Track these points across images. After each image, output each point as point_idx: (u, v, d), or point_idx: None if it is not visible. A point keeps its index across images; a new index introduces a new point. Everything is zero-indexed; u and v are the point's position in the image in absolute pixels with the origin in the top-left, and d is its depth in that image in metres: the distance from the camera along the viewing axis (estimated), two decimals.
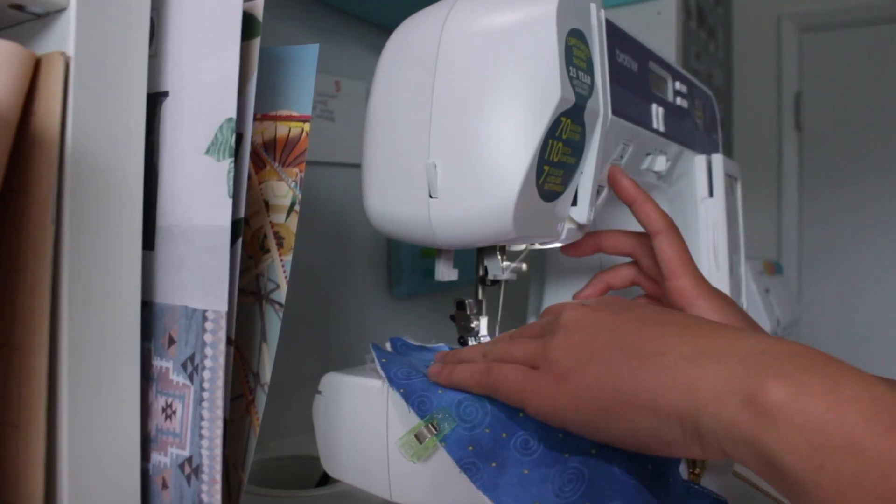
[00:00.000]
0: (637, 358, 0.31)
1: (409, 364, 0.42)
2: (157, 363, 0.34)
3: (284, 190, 0.37)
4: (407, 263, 0.83)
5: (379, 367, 0.41)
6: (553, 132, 0.40)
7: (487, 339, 0.50)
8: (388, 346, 0.47)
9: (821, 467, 0.24)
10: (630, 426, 0.31)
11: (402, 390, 0.39)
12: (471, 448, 0.37)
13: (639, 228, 0.49)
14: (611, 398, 0.31)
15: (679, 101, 0.59)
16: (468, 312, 0.49)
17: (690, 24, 1.22)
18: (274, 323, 0.36)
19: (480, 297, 0.49)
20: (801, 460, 0.24)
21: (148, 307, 0.34)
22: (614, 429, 0.32)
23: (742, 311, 0.45)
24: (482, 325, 0.49)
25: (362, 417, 0.41)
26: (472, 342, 0.50)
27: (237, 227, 0.34)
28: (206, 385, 0.33)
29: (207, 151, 0.33)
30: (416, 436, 0.38)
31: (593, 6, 0.45)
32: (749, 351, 0.28)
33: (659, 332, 0.32)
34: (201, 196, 0.33)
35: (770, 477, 0.26)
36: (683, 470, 0.45)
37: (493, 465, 0.36)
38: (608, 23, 0.46)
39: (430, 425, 0.38)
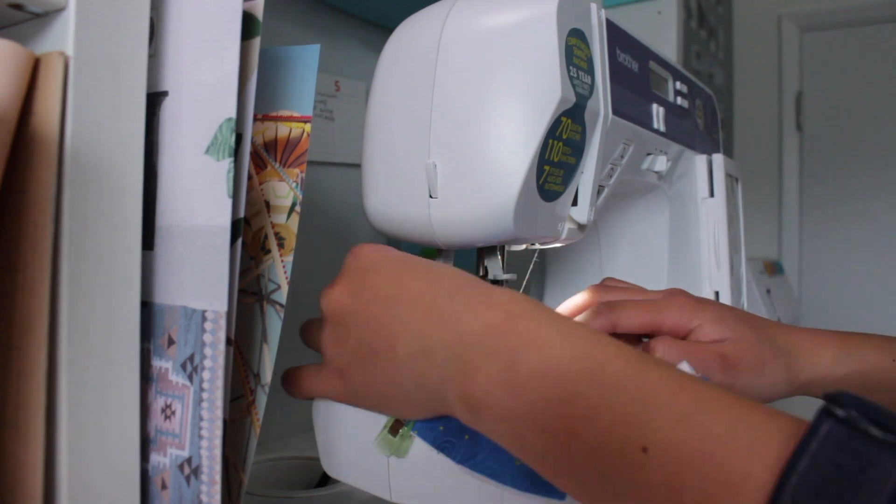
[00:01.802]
0: (377, 358, 0.34)
1: None
2: (157, 363, 0.34)
3: (285, 190, 0.36)
4: None
5: None
6: (553, 132, 0.40)
7: None
8: None
9: (522, 446, 0.28)
10: (410, 410, 0.35)
11: None
12: (441, 428, 0.38)
13: (642, 226, 0.49)
14: (376, 392, 0.35)
15: (680, 100, 0.59)
16: None
17: (691, 24, 1.22)
18: (275, 323, 0.36)
19: None
20: (508, 441, 0.28)
21: (147, 307, 0.34)
22: (399, 409, 0.36)
23: (743, 312, 0.44)
24: None
25: (362, 417, 0.41)
26: None
27: (237, 227, 0.34)
28: (205, 385, 0.33)
29: (207, 151, 0.33)
30: (389, 431, 0.39)
31: (594, 6, 0.45)
32: (461, 338, 0.30)
33: (392, 326, 0.33)
34: (201, 196, 0.33)
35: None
36: None
37: (466, 437, 0.37)
38: (608, 22, 0.46)
39: (399, 419, 0.39)
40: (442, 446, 0.37)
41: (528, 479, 0.35)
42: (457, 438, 0.37)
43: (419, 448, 0.39)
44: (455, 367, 0.30)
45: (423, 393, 0.33)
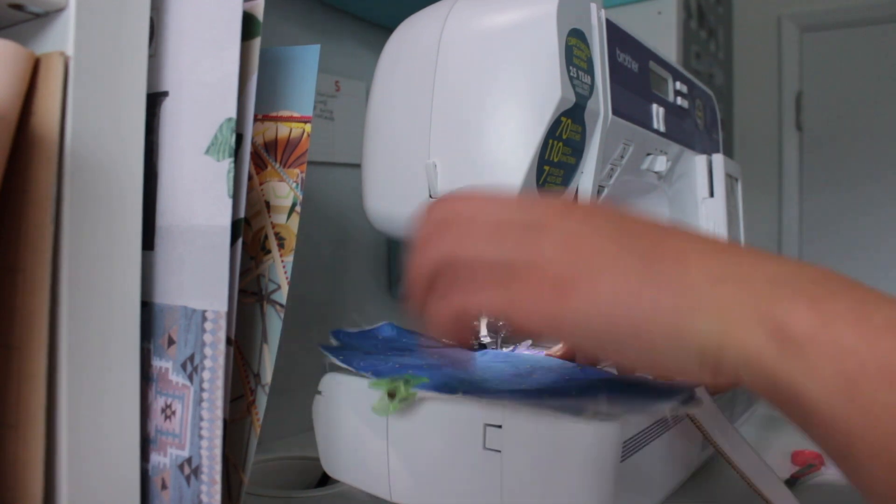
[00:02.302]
0: (656, 271, 0.26)
1: (367, 354, 0.44)
2: (157, 363, 0.34)
3: (285, 191, 0.36)
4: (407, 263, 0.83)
5: (341, 363, 0.42)
6: (553, 132, 0.40)
7: (488, 339, 0.50)
8: (332, 341, 0.48)
9: (851, 399, 0.22)
10: (642, 350, 0.27)
11: (370, 373, 0.41)
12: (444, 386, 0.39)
13: None
14: (624, 316, 0.26)
15: (679, 100, 0.59)
16: None
17: (691, 24, 1.22)
18: (275, 323, 0.36)
19: None
20: (830, 392, 0.22)
21: (147, 307, 0.34)
22: (624, 351, 0.27)
23: None
24: (482, 325, 0.49)
25: (362, 417, 0.41)
26: (472, 342, 0.50)
27: (237, 227, 0.34)
28: (205, 385, 0.33)
29: (207, 151, 0.33)
30: (388, 394, 0.39)
31: (593, 6, 0.45)
32: (774, 273, 0.25)
33: (678, 240, 0.27)
34: (201, 196, 0.33)
35: (791, 411, 0.24)
36: None
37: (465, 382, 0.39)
38: (608, 22, 0.46)
39: (402, 381, 0.39)
40: (440, 388, 0.38)
41: (533, 395, 0.37)
42: (457, 384, 0.39)
43: (422, 447, 0.39)
44: (777, 297, 0.24)
45: (710, 334, 0.25)
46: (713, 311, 0.25)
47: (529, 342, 0.51)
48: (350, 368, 0.42)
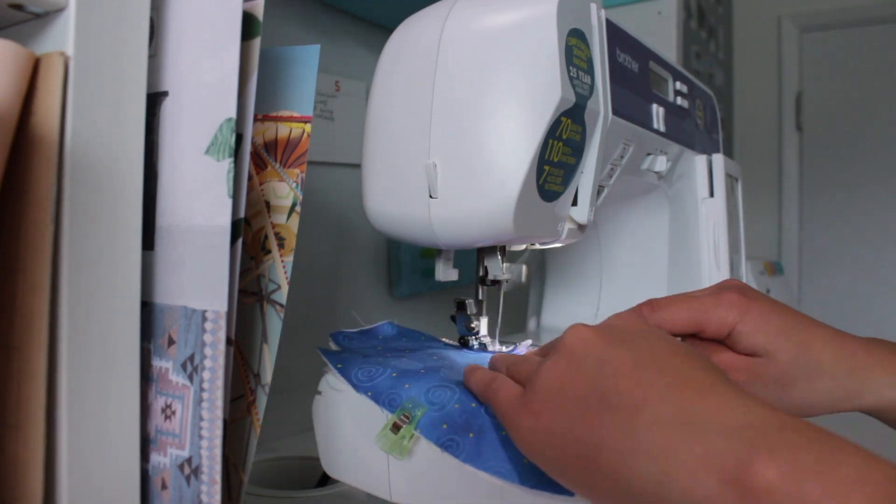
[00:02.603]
0: (611, 411, 0.28)
1: (365, 358, 0.43)
2: (157, 363, 0.34)
3: (285, 191, 0.36)
4: (407, 263, 0.83)
5: (338, 374, 0.42)
6: (553, 132, 0.40)
7: (487, 339, 0.50)
8: (331, 345, 0.48)
9: None
10: (590, 484, 0.29)
11: (369, 393, 0.40)
12: (445, 426, 0.37)
13: (642, 226, 0.48)
14: (575, 450, 0.29)
15: (679, 100, 0.59)
16: (468, 312, 0.49)
17: (691, 24, 1.22)
18: (275, 323, 0.36)
19: (480, 297, 0.49)
20: None
21: (147, 307, 0.34)
22: (574, 481, 0.30)
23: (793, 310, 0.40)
24: (482, 325, 0.49)
25: (362, 417, 0.41)
26: (472, 342, 0.50)
27: (237, 227, 0.34)
28: (205, 385, 0.33)
29: (207, 151, 0.33)
30: (391, 429, 0.38)
31: (593, 6, 0.45)
32: (735, 423, 0.25)
33: (645, 383, 0.28)
34: (201, 196, 0.33)
35: None
36: None
37: (471, 435, 0.37)
38: (608, 22, 0.46)
39: (402, 416, 0.38)
40: (446, 444, 0.37)
41: (535, 477, 0.35)
42: (461, 437, 0.37)
43: (422, 448, 0.39)
44: (736, 449, 0.24)
45: (650, 470, 0.26)
46: (655, 457, 0.26)
47: (529, 342, 0.51)
48: (344, 380, 0.42)
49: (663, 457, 0.26)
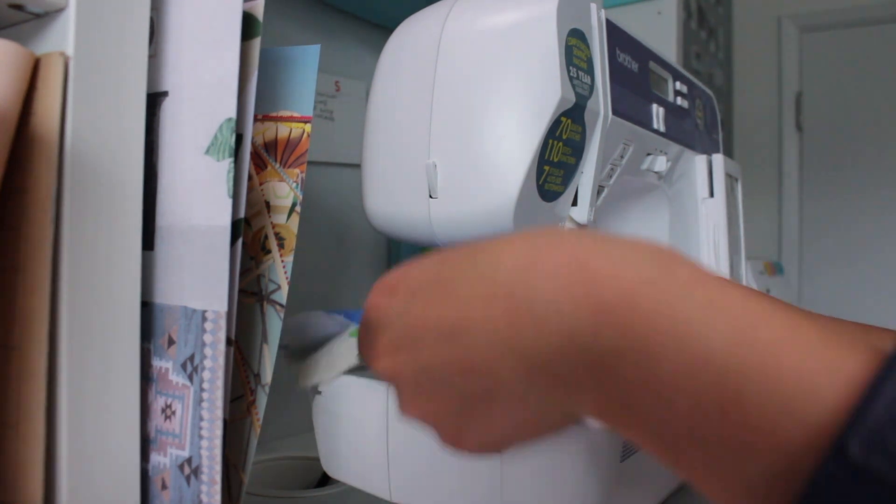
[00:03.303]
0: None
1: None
2: (157, 363, 0.34)
3: (285, 191, 0.36)
4: None
5: (341, 316, 0.41)
6: (553, 132, 0.40)
7: None
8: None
9: (718, 398, 0.20)
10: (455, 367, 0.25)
11: (342, 316, 0.39)
12: None
13: (642, 226, 0.48)
14: (427, 376, 0.26)
15: (679, 101, 0.59)
16: None
17: (691, 24, 1.22)
18: (275, 323, 0.36)
19: None
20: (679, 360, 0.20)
21: (147, 307, 0.34)
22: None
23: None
24: None
25: (362, 417, 0.41)
26: None
27: (237, 227, 0.34)
28: (205, 385, 0.33)
29: (207, 151, 0.33)
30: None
31: (593, 6, 0.45)
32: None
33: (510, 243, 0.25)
34: (201, 196, 0.33)
35: (629, 408, 0.22)
36: None
37: None
38: (608, 22, 0.46)
39: None
40: None
41: None
42: None
43: (422, 448, 0.39)
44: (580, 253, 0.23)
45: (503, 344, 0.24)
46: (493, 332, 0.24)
47: None
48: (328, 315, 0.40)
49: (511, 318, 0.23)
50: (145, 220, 0.32)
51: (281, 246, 0.36)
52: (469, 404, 0.26)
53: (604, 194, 0.49)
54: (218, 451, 0.32)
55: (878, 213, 1.92)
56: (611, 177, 0.49)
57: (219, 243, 0.32)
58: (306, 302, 0.70)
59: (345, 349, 0.38)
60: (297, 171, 0.36)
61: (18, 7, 0.29)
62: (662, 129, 0.53)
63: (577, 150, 0.43)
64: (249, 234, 0.37)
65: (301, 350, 0.43)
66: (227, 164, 0.32)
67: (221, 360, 0.32)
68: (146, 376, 0.34)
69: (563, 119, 0.40)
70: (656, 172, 0.55)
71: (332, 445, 0.44)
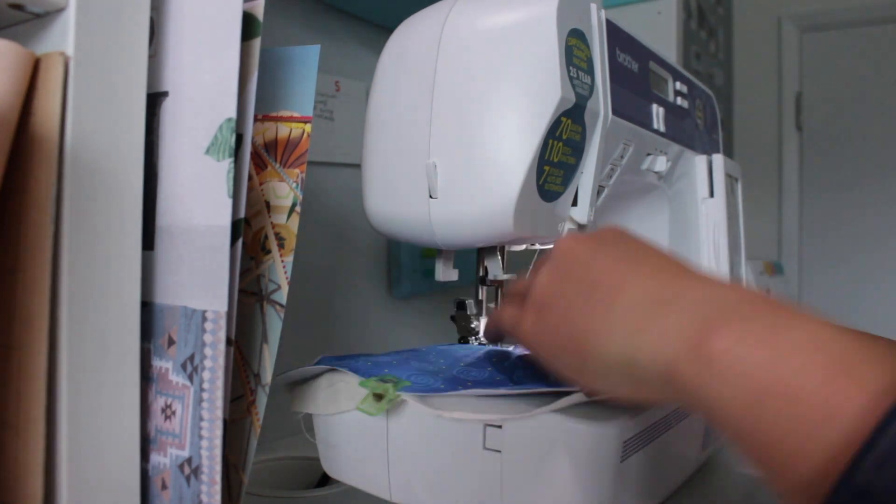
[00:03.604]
0: (594, 299, 0.32)
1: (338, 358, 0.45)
2: (157, 363, 0.34)
3: (285, 191, 0.36)
4: (407, 264, 0.83)
5: (318, 365, 0.44)
6: (553, 132, 0.40)
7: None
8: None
9: (759, 415, 0.24)
10: (578, 365, 0.32)
11: (346, 369, 0.42)
12: (442, 385, 0.40)
13: (642, 226, 0.49)
14: (567, 337, 0.32)
15: (679, 101, 0.59)
16: (468, 313, 0.49)
17: (691, 24, 1.22)
18: (275, 323, 0.36)
19: (480, 297, 0.49)
20: (738, 406, 0.24)
21: (147, 307, 0.34)
22: (570, 366, 0.33)
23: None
24: (482, 325, 0.49)
25: (362, 418, 0.41)
26: (472, 342, 0.50)
27: (237, 227, 0.34)
28: (205, 385, 0.33)
29: (207, 151, 0.33)
30: (373, 395, 0.40)
31: (593, 6, 0.45)
32: (701, 297, 0.28)
33: (624, 271, 0.32)
34: (201, 196, 0.33)
35: (711, 420, 0.27)
36: None
37: (469, 383, 0.40)
38: (608, 23, 0.46)
39: (383, 380, 0.40)
40: (440, 389, 0.39)
41: (525, 377, 0.39)
42: (458, 386, 0.39)
43: (422, 448, 0.39)
44: (697, 320, 0.27)
45: (625, 344, 0.29)
46: (630, 333, 0.29)
47: None
48: (328, 366, 0.43)
49: (636, 331, 0.29)
50: (145, 220, 0.32)
51: (281, 246, 0.36)
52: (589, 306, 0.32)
53: (604, 194, 0.49)
54: (218, 451, 0.32)
55: (878, 212, 1.92)
56: (611, 177, 0.49)
57: (219, 243, 0.32)
58: (306, 302, 0.70)
59: (350, 394, 0.41)
60: (297, 171, 0.36)
61: (18, 7, 0.29)
62: (662, 129, 0.53)
63: (578, 151, 0.43)
64: (249, 234, 0.37)
65: (297, 379, 0.44)
66: (227, 164, 0.32)
67: (221, 360, 0.32)
68: (146, 376, 0.34)
69: (564, 119, 0.40)
70: (656, 172, 0.55)
71: (332, 445, 0.44)
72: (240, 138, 0.34)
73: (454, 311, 0.50)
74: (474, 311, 0.49)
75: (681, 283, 0.30)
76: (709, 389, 0.25)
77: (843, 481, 0.21)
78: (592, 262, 0.33)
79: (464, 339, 0.50)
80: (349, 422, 0.43)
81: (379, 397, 0.39)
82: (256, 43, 0.34)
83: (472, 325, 0.49)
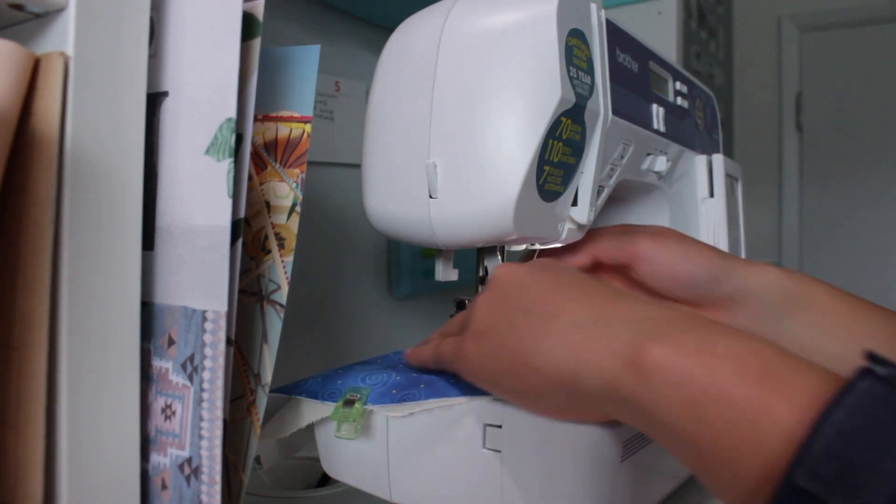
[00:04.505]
0: (534, 319, 0.32)
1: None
2: (157, 364, 0.34)
3: (285, 191, 0.36)
4: (407, 264, 0.83)
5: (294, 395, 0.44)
6: (553, 132, 0.40)
7: None
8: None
9: (696, 419, 0.25)
10: (523, 387, 0.33)
11: (302, 395, 0.43)
12: (394, 391, 0.40)
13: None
14: (509, 358, 0.33)
15: (679, 101, 0.59)
16: None
17: (691, 24, 1.22)
18: (275, 324, 0.36)
19: None
20: (678, 414, 0.26)
21: (147, 307, 0.34)
22: (511, 389, 0.34)
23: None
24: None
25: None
26: None
27: (237, 227, 0.34)
28: (205, 385, 0.33)
29: (207, 151, 0.33)
30: (341, 410, 0.40)
31: (594, 6, 0.45)
32: (639, 316, 0.30)
33: (563, 295, 0.33)
34: (201, 196, 0.33)
35: (653, 433, 0.28)
36: None
37: (422, 385, 0.40)
38: (608, 23, 0.46)
39: (349, 397, 0.41)
40: (402, 398, 0.39)
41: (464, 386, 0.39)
42: (413, 390, 0.40)
43: (422, 448, 0.39)
44: (634, 336, 0.28)
45: (569, 359, 0.30)
46: (570, 351, 0.30)
47: None
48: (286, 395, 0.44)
49: (578, 350, 0.30)
50: (145, 220, 0.32)
51: (281, 246, 0.36)
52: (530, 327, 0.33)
53: (604, 194, 0.49)
54: (218, 452, 0.32)
55: (878, 212, 1.92)
56: (611, 177, 0.49)
57: (219, 243, 0.32)
58: (306, 302, 0.70)
59: (309, 413, 0.42)
60: (297, 171, 0.36)
61: (18, 7, 0.29)
62: (662, 129, 0.53)
63: (577, 150, 0.43)
64: (249, 234, 0.37)
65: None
66: (227, 164, 0.32)
67: (221, 360, 0.32)
68: (146, 376, 0.34)
69: (563, 119, 0.40)
70: (656, 172, 0.55)
71: (332, 445, 0.44)
72: (240, 138, 0.34)
73: (454, 311, 0.50)
74: None
75: (619, 304, 0.31)
76: (647, 401, 0.27)
77: (784, 484, 0.21)
78: (533, 284, 0.35)
79: None
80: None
81: (350, 404, 0.40)
82: (256, 43, 0.34)
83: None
